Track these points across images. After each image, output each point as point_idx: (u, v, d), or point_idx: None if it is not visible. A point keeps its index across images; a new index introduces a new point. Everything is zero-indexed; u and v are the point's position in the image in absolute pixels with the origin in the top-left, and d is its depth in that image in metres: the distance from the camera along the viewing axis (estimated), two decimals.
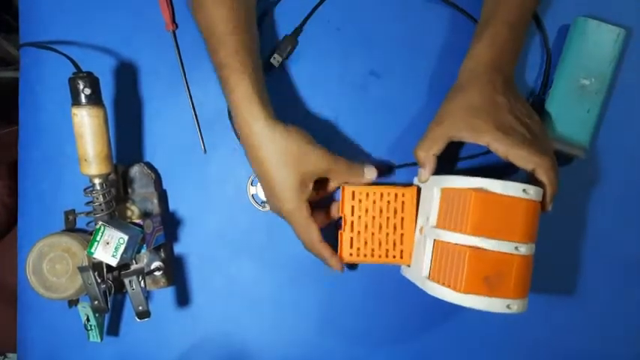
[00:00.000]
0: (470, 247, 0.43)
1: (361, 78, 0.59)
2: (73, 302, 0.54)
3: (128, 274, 0.50)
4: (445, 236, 0.45)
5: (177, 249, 0.60)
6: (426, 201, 0.52)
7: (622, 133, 0.59)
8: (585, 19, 0.55)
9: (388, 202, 0.53)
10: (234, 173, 0.59)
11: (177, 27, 0.59)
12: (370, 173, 0.54)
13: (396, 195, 0.53)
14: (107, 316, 0.60)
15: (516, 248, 0.43)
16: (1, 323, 0.86)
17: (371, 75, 0.59)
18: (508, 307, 0.43)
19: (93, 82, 0.49)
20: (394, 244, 0.53)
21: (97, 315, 0.54)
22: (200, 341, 0.60)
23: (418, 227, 0.53)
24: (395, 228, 0.53)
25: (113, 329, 0.60)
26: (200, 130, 0.59)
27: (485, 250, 0.43)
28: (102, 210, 0.51)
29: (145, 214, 0.57)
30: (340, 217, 0.54)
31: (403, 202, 0.53)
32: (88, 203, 0.52)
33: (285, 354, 0.60)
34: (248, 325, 0.60)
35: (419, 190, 0.54)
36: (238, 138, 0.58)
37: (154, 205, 0.57)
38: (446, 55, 0.58)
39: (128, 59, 0.60)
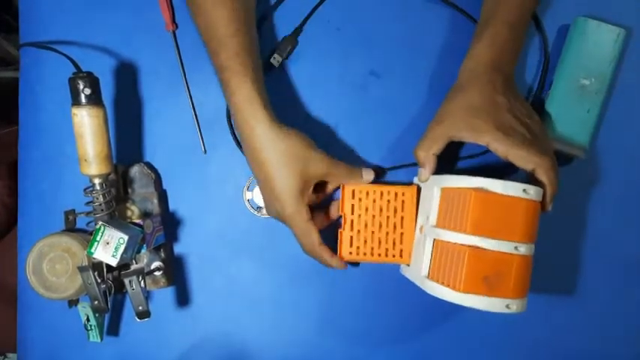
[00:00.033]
0: (469, 246, 0.43)
1: (361, 78, 0.59)
2: (73, 302, 0.54)
3: (128, 274, 0.50)
4: (445, 236, 0.45)
5: (177, 249, 0.60)
6: (426, 200, 0.52)
7: (622, 133, 0.59)
8: (585, 19, 0.55)
9: (388, 200, 0.53)
10: (234, 173, 0.59)
11: (177, 27, 0.59)
12: (368, 175, 0.54)
13: (396, 194, 0.53)
14: (107, 316, 0.60)
15: (516, 248, 0.43)
16: (1, 323, 0.86)
17: (371, 75, 0.59)
18: (507, 306, 0.43)
19: (93, 82, 0.49)
20: (394, 243, 0.53)
21: (97, 315, 0.54)
22: (200, 341, 0.60)
23: (418, 226, 0.53)
24: (395, 227, 0.53)
25: (113, 329, 0.60)
26: (200, 130, 0.59)
27: (485, 249, 0.43)
28: (102, 210, 0.51)
29: (145, 214, 0.57)
30: (340, 217, 0.54)
31: (403, 201, 0.53)
32: (88, 203, 0.52)
33: (285, 354, 0.60)
34: (248, 325, 0.60)
35: (419, 189, 0.54)
36: (237, 141, 0.58)
37: (154, 205, 0.57)
38: (446, 55, 0.58)
39: (128, 59, 0.60)
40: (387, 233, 0.53)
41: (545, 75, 0.58)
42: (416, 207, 0.53)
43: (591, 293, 0.59)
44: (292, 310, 0.60)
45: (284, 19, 0.59)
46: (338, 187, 0.55)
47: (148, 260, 0.57)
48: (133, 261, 0.55)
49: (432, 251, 0.48)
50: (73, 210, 0.57)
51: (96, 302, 0.50)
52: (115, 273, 0.52)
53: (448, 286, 0.44)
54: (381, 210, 0.53)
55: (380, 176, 0.58)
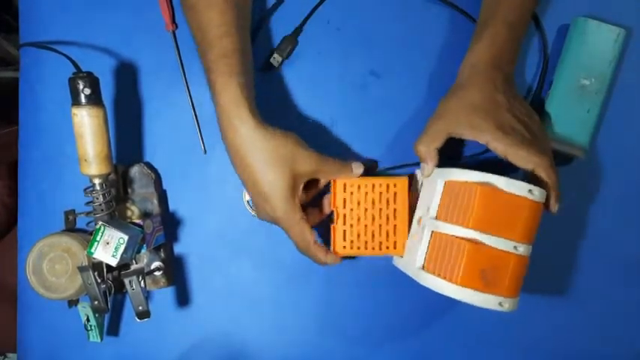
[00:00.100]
0: (469, 239, 0.43)
1: (361, 78, 0.59)
2: (73, 302, 0.54)
3: (128, 274, 0.50)
4: (445, 228, 0.45)
5: (177, 249, 0.60)
6: (427, 192, 0.51)
7: (622, 133, 0.59)
8: (585, 19, 0.55)
9: (380, 193, 0.53)
10: (234, 173, 0.59)
11: (177, 27, 0.59)
12: (358, 169, 0.53)
13: (387, 186, 0.53)
14: (107, 316, 0.60)
15: (515, 247, 0.43)
16: (1, 323, 0.86)
17: (371, 75, 0.59)
18: (500, 304, 0.43)
19: (93, 82, 0.49)
20: (387, 235, 0.53)
21: (97, 315, 0.54)
22: (200, 341, 0.60)
23: (416, 218, 0.52)
24: (388, 219, 0.53)
25: (113, 329, 0.60)
26: (200, 130, 0.59)
27: (485, 245, 0.43)
28: (102, 210, 0.51)
29: (145, 214, 0.57)
30: (332, 212, 0.54)
31: (395, 193, 0.53)
32: (88, 203, 0.52)
33: (284, 354, 0.60)
34: (248, 325, 0.60)
35: (410, 180, 0.54)
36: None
37: (154, 205, 0.57)
38: (446, 55, 0.58)
39: (128, 59, 0.60)
40: (380, 226, 0.53)
41: (545, 75, 0.58)
42: (408, 198, 0.53)
43: (591, 293, 0.59)
44: (292, 310, 0.60)
45: (284, 19, 0.59)
46: (329, 183, 0.54)
47: (148, 260, 0.57)
48: (133, 261, 0.55)
49: (430, 243, 0.47)
50: (73, 210, 0.57)
51: (96, 302, 0.50)
52: (115, 273, 0.52)
53: (444, 278, 0.44)
54: (373, 202, 0.53)
55: (374, 169, 0.58)
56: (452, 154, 0.57)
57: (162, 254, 0.57)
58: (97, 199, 0.51)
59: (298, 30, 0.58)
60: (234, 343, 0.60)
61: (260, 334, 0.60)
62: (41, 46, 0.54)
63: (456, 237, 0.44)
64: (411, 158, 0.57)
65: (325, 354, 0.60)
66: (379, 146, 0.59)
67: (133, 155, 0.59)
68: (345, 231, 0.53)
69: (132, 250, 0.51)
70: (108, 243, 0.49)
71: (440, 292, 0.44)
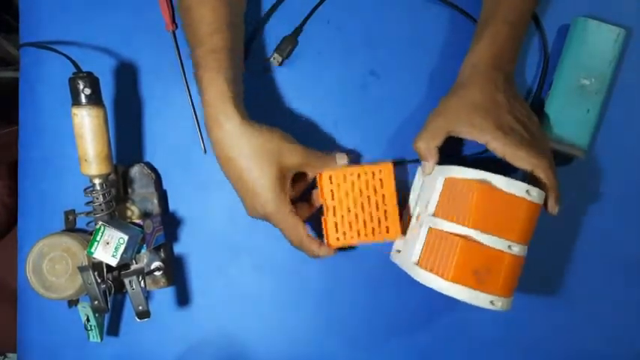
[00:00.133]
0: (463, 236, 0.43)
1: (361, 78, 0.59)
2: (73, 302, 0.54)
3: (128, 274, 0.50)
4: (442, 225, 0.45)
5: (177, 249, 0.60)
6: (427, 188, 0.51)
7: (622, 133, 0.59)
8: (585, 19, 0.55)
9: (367, 181, 0.53)
10: None
11: (177, 27, 0.59)
12: (341, 159, 0.53)
13: (373, 173, 0.53)
14: (107, 316, 0.60)
15: (509, 247, 0.43)
16: (1, 323, 0.86)
17: (371, 75, 0.59)
18: (492, 303, 0.43)
19: (93, 82, 0.49)
20: (379, 221, 0.53)
21: (97, 315, 0.54)
22: (200, 341, 0.60)
23: (415, 214, 0.53)
24: (377, 205, 0.53)
25: (113, 329, 0.60)
26: (200, 130, 0.59)
27: (479, 243, 0.43)
28: (102, 210, 0.51)
29: (145, 214, 0.57)
30: (322, 205, 0.53)
31: (381, 179, 0.53)
32: (88, 203, 0.52)
33: (285, 354, 0.60)
34: (248, 325, 0.60)
35: (395, 164, 0.54)
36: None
37: (154, 205, 0.57)
38: (446, 55, 0.58)
39: (128, 59, 0.60)
40: (371, 213, 0.53)
41: (545, 75, 0.58)
42: (395, 183, 0.53)
43: (591, 293, 0.59)
44: (292, 309, 0.60)
45: (284, 19, 0.59)
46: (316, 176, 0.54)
47: (148, 260, 0.56)
48: (133, 261, 0.55)
49: (426, 239, 0.47)
50: (73, 210, 0.57)
51: (96, 302, 0.50)
52: (115, 273, 0.52)
53: (437, 274, 0.44)
54: (360, 191, 0.53)
55: (356, 160, 0.58)
56: (451, 153, 0.57)
57: (162, 254, 0.57)
58: (97, 199, 0.51)
59: (298, 30, 0.58)
60: (235, 343, 0.60)
61: (260, 334, 0.60)
62: (41, 46, 0.54)
63: (451, 233, 0.44)
64: (410, 157, 0.57)
65: (326, 354, 0.60)
66: (379, 146, 0.59)
67: (133, 155, 0.59)
68: (336, 222, 0.53)
69: (132, 250, 0.51)
70: (108, 243, 0.49)
71: (432, 287, 0.44)
